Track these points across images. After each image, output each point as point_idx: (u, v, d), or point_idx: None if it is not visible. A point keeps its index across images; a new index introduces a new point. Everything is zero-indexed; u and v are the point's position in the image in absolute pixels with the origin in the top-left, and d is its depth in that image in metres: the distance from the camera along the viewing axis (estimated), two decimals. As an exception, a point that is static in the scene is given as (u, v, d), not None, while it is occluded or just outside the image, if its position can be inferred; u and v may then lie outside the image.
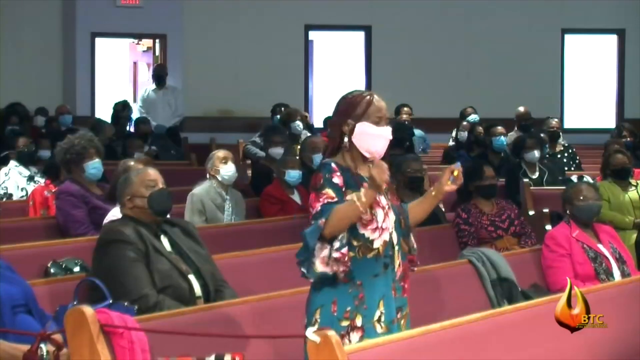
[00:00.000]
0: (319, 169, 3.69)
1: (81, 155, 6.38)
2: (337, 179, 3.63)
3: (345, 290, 3.62)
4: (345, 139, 3.72)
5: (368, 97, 3.74)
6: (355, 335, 3.62)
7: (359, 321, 3.63)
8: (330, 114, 3.93)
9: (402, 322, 3.74)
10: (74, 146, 6.40)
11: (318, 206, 3.59)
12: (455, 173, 3.74)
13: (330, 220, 3.54)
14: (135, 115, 12.36)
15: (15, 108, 11.83)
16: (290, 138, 9.61)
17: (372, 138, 3.70)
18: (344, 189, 3.63)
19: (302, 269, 3.64)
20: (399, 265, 3.72)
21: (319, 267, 3.58)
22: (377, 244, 3.65)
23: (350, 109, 3.73)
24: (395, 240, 3.71)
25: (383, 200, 3.72)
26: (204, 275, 4.59)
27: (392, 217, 3.71)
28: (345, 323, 3.62)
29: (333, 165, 3.67)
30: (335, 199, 3.59)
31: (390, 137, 3.76)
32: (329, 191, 3.60)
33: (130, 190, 4.72)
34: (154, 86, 12.51)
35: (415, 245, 3.84)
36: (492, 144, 9.61)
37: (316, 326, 3.61)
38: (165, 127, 12.03)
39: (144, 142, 10.78)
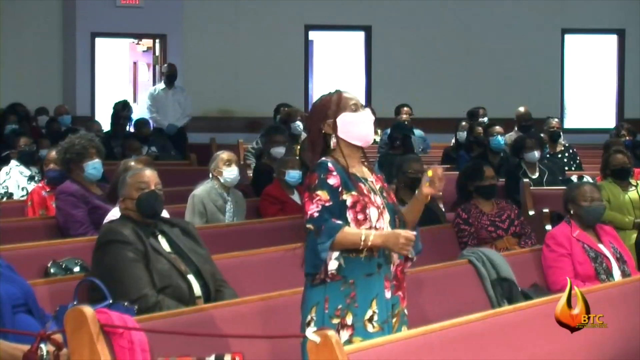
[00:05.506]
0: (314, 168, 3.68)
1: (81, 155, 6.38)
2: (333, 180, 3.62)
3: (337, 288, 3.62)
4: (332, 140, 3.70)
5: (336, 94, 3.76)
6: (344, 334, 3.60)
7: (349, 319, 3.62)
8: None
9: (395, 320, 3.72)
10: (74, 146, 6.40)
11: (314, 211, 3.58)
12: (430, 173, 3.70)
13: (337, 243, 3.54)
14: (142, 113, 12.25)
15: (15, 108, 11.82)
16: (290, 138, 9.59)
17: (356, 124, 3.70)
18: (340, 189, 3.62)
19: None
20: (394, 264, 3.72)
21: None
22: None
23: (323, 110, 3.73)
24: None
25: (378, 199, 3.70)
26: (203, 275, 4.59)
27: (387, 216, 3.70)
28: (335, 321, 3.61)
29: (330, 164, 3.65)
30: (330, 203, 3.58)
31: (373, 118, 3.76)
32: (323, 193, 3.59)
33: (123, 191, 4.76)
34: (162, 85, 12.36)
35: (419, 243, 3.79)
36: (490, 143, 9.61)
37: (312, 324, 3.62)
38: (176, 126, 11.95)
39: (144, 143, 10.76)
